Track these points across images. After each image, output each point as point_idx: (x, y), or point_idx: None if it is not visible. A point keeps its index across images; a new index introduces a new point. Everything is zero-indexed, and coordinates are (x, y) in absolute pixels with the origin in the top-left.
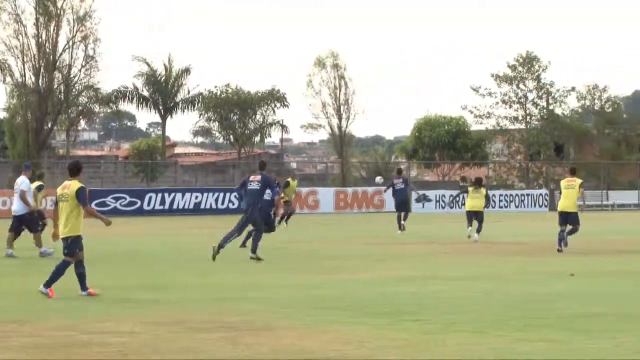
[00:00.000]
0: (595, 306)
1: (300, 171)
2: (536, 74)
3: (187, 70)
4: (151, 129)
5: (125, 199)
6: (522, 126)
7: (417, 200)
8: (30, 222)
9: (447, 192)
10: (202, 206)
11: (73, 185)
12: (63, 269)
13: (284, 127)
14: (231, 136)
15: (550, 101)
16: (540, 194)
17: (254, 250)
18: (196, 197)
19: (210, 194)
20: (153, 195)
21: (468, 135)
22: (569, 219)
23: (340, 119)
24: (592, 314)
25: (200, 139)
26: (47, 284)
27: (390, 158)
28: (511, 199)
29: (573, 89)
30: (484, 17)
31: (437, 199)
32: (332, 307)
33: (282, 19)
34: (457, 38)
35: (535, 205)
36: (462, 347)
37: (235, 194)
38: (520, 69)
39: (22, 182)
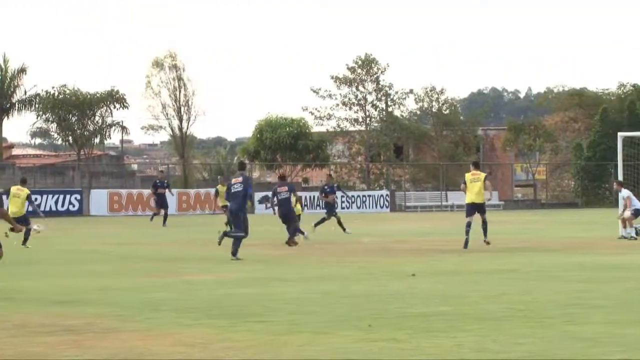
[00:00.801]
0: (435, 306)
1: (141, 173)
2: (375, 76)
3: (23, 70)
4: None
5: None
6: (363, 128)
7: (260, 201)
8: None
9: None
10: (42, 208)
11: None
12: None
13: (124, 129)
14: (70, 137)
15: (389, 103)
16: (382, 195)
17: (234, 253)
18: (35, 199)
19: (50, 196)
20: None
21: (309, 136)
22: (477, 209)
23: (181, 120)
24: (432, 313)
25: (38, 141)
26: None
27: (233, 159)
28: (353, 200)
29: (411, 91)
30: (324, 18)
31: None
32: (175, 309)
33: (121, 17)
34: (297, 39)
35: (376, 206)
36: (305, 347)
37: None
38: (359, 71)
39: None
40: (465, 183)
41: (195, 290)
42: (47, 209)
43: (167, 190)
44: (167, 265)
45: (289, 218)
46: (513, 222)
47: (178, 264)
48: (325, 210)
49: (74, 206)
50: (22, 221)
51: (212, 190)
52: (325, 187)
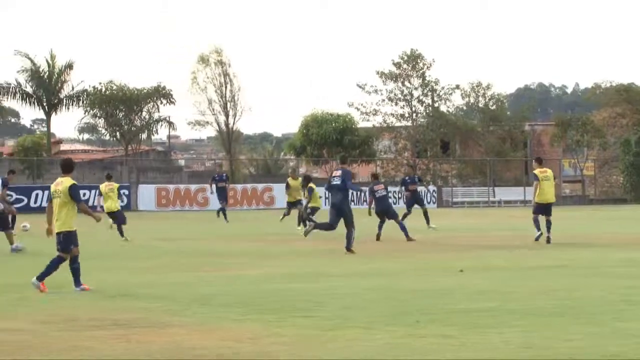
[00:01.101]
0: (483, 302)
1: (188, 168)
2: (421, 71)
3: (70, 66)
4: (36, 126)
5: (12, 196)
6: (409, 123)
7: None
8: (3, 219)
9: None
10: (91, 203)
11: (65, 182)
12: (57, 264)
13: (171, 124)
14: (118, 133)
15: (436, 99)
16: (428, 191)
17: (348, 247)
18: (84, 195)
19: (98, 191)
20: (40, 192)
21: (355, 132)
22: (548, 208)
23: (227, 115)
24: (480, 309)
25: (86, 136)
26: (40, 277)
27: (279, 155)
28: (400, 196)
29: (457, 86)
30: (370, 13)
31: (327, 196)
32: (222, 304)
33: (166, 13)
34: (342, 34)
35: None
36: (353, 342)
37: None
38: (405, 66)
39: None
40: (538, 180)
41: (243, 285)
42: (96, 203)
43: (226, 183)
44: (215, 260)
45: (390, 214)
46: (561, 218)
47: (226, 259)
48: (406, 205)
49: (122, 201)
50: (117, 216)
51: (260, 186)
52: (407, 178)
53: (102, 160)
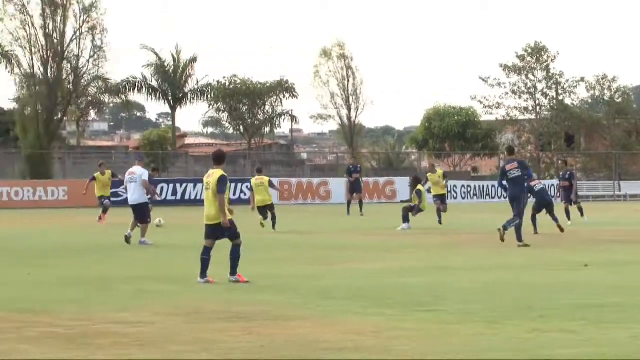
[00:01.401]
0: (609, 296)
1: (310, 162)
2: (545, 64)
3: (194, 60)
4: (161, 120)
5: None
6: (532, 116)
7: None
8: (144, 212)
9: (459, 183)
10: None
11: (216, 173)
12: (237, 252)
13: (293, 118)
14: (241, 127)
15: (560, 91)
16: (552, 185)
17: (519, 239)
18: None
19: (250, 185)
20: (165, 185)
21: (478, 125)
22: None
23: (349, 109)
24: (606, 304)
25: (210, 130)
26: (233, 272)
27: (401, 148)
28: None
29: (582, 79)
30: (493, 7)
31: (449, 189)
32: (344, 297)
33: (288, 8)
34: (466, 27)
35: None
36: (476, 337)
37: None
38: (529, 59)
39: (142, 172)
40: None
41: (365, 279)
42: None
43: (360, 175)
44: (337, 254)
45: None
46: None
47: (348, 252)
48: (564, 200)
49: (245, 194)
50: (270, 208)
51: (382, 180)
52: (567, 172)
53: (226, 153)
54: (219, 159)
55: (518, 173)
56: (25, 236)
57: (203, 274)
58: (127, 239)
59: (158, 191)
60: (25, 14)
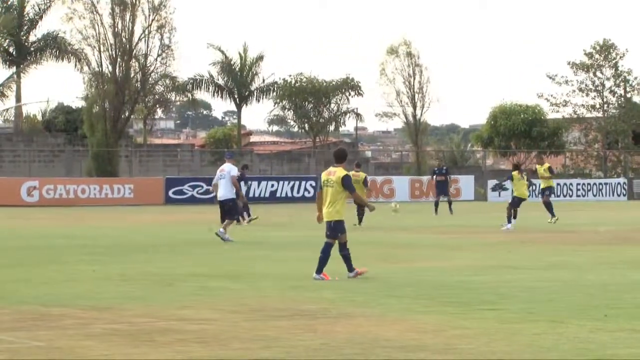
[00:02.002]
0: None
1: (375, 160)
2: (613, 61)
3: (260, 58)
4: (227, 118)
5: (202, 187)
6: (600, 114)
7: (493, 189)
8: (232, 208)
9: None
10: (278, 194)
11: (339, 172)
12: (327, 251)
13: (358, 116)
14: (306, 125)
15: (628, 89)
16: (619, 183)
17: None
18: (272, 186)
19: (286, 183)
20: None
21: (544, 123)
22: None
23: (414, 107)
24: None
25: (275, 128)
26: (319, 270)
27: (466, 147)
28: (589, 188)
29: None
30: (561, 4)
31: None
32: (407, 295)
33: (353, 6)
34: (534, 24)
35: (613, 194)
36: (539, 336)
37: None
38: (597, 56)
39: (231, 169)
40: None
41: (428, 277)
42: (283, 195)
43: (446, 177)
44: (400, 252)
45: None
46: None
47: (412, 250)
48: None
49: (308, 192)
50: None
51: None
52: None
53: (290, 151)
54: (340, 157)
55: None
56: (91, 233)
57: (350, 268)
58: (220, 236)
59: (244, 189)
60: (95, 12)
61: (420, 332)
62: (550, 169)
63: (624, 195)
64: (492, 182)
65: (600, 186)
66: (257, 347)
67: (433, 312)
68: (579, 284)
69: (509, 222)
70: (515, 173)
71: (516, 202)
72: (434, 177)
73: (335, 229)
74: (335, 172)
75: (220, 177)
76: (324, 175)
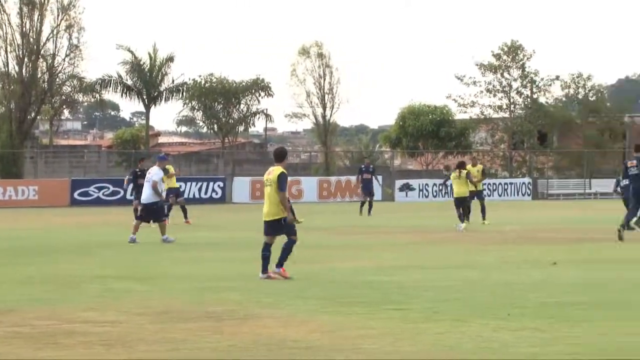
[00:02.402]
0: (576, 295)
1: None
2: (521, 62)
3: (170, 59)
4: (135, 119)
5: (109, 188)
6: (506, 115)
7: (401, 189)
8: (158, 210)
9: (430, 182)
10: (186, 195)
11: (276, 170)
12: (290, 247)
13: (268, 117)
14: (215, 125)
15: (535, 90)
16: (524, 183)
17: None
18: (180, 187)
19: (194, 184)
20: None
21: (452, 124)
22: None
23: (324, 108)
24: (574, 302)
25: (184, 129)
26: (279, 264)
27: (375, 147)
28: (494, 188)
29: (557, 77)
30: (469, 5)
31: (421, 187)
32: (314, 296)
33: (266, 7)
34: (442, 26)
35: (518, 194)
36: (443, 335)
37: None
38: (504, 57)
39: (156, 173)
40: None
41: (335, 278)
42: (191, 196)
43: (372, 176)
44: (308, 253)
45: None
46: None
47: (320, 251)
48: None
49: (216, 193)
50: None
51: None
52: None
53: (199, 152)
54: (280, 156)
55: (637, 171)
56: None
57: (264, 270)
58: (165, 241)
59: (129, 190)
60: (2, 12)
61: (326, 332)
62: (483, 171)
63: (529, 195)
64: (400, 183)
65: (506, 186)
66: (164, 350)
67: (340, 313)
68: (484, 284)
69: (462, 221)
70: (454, 173)
71: (456, 203)
72: (360, 176)
73: (290, 226)
74: (273, 171)
75: (146, 180)
76: (265, 176)
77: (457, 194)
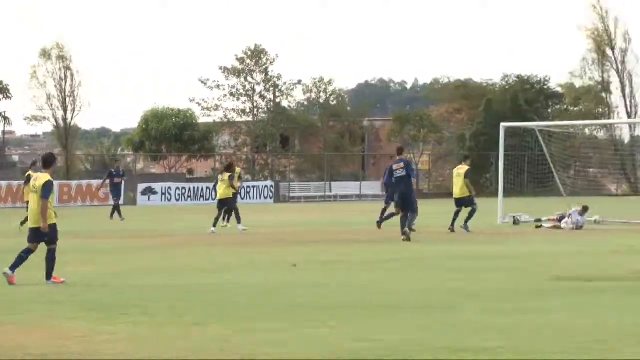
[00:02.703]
0: (318, 296)
1: (23, 164)
2: (264, 66)
3: None
4: None
5: None
6: (250, 119)
7: (143, 193)
8: None
9: (173, 185)
10: None
11: (42, 177)
12: (53, 256)
13: (6, 119)
14: None
15: (277, 94)
16: (266, 186)
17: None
18: None
19: None
20: None
21: (196, 127)
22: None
23: (65, 111)
24: (315, 304)
25: None
26: (48, 277)
27: (117, 150)
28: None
29: (299, 82)
30: (214, 8)
31: (164, 191)
32: (52, 301)
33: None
34: (186, 29)
35: (261, 197)
36: (185, 338)
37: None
38: (248, 62)
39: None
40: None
41: (74, 282)
42: None
43: (122, 179)
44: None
45: (409, 202)
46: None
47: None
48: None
49: None
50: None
51: (96, 182)
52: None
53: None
54: (47, 162)
55: (403, 172)
56: None
57: (14, 268)
58: None
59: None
60: None
61: (65, 338)
62: (239, 176)
63: (271, 198)
64: (142, 186)
65: (249, 189)
66: None
67: (80, 318)
68: (224, 286)
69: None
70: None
71: (219, 205)
72: (110, 180)
73: (38, 236)
74: (40, 178)
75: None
76: (32, 181)
77: (220, 195)
